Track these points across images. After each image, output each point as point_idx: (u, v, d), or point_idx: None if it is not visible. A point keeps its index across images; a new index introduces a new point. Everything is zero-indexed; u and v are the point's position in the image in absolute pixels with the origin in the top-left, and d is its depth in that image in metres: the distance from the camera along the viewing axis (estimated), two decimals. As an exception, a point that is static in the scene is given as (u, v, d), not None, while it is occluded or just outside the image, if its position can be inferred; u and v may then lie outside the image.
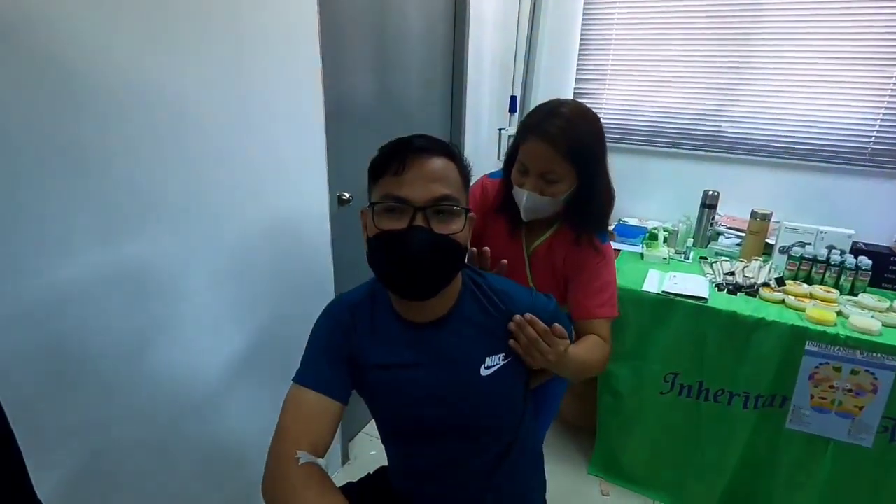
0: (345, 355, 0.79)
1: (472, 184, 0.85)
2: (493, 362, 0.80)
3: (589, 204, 1.00)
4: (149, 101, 0.90)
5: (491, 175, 1.16)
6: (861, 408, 1.36)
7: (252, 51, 1.09)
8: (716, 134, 2.17)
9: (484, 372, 0.79)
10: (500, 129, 2.35)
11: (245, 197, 1.15)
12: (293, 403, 0.75)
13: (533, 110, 1.00)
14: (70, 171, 0.79)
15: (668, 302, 1.54)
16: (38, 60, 0.73)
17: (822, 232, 1.74)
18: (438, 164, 0.73)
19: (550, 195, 0.96)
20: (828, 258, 1.65)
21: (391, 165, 0.72)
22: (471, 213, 0.77)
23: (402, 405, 0.81)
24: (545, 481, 1.00)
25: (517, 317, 0.79)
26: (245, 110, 1.11)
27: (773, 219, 1.88)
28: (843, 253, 1.67)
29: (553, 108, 0.96)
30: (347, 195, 1.51)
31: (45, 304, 0.80)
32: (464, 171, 0.77)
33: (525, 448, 0.90)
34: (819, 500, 1.45)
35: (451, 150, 0.76)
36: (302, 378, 0.76)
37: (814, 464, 1.45)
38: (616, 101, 2.32)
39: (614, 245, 2.01)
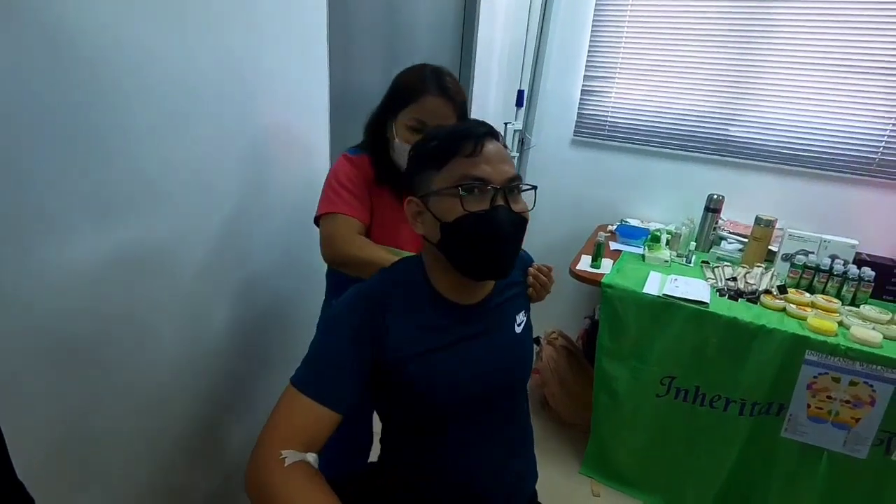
0: (363, 360, 0.73)
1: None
2: (521, 318, 0.87)
3: None
4: (151, 81, 0.87)
5: (350, 152, 1.11)
6: (858, 419, 1.35)
7: (259, 37, 1.07)
8: (723, 138, 2.15)
9: (517, 329, 0.86)
10: (506, 123, 2.32)
11: (247, 182, 1.13)
12: (288, 407, 0.69)
13: (408, 71, 1.04)
14: (68, 151, 0.77)
15: (668, 305, 1.53)
16: (34, 34, 0.70)
17: (825, 241, 1.73)
18: (500, 147, 0.76)
19: None
20: (831, 268, 1.64)
21: (462, 147, 0.72)
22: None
23: (449, 386, 0.77)
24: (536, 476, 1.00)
25: (533, 269, 0.93)
26: (250, 96, 1.09)
27: (776, 226, 1.86)
28: (846, 263, 1.66)
29: (436, 69, 1.03)
30: (349, 184, 1.49)
31: (38, 285, 0.77)
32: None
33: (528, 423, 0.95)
34: (811, 510, 1.45)
35: (498, 134, 0.78)
36: (301, 384, 0.70)
37: (807, 473, 1.45)
38: (624, 100, 2.29)
39: (616, 246, 2.00)
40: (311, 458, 0.67)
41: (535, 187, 0.78)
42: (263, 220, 1.20)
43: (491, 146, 0.73)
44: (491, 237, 0.71)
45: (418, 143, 0.80)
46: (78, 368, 0.86)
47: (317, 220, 1.06)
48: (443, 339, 0.77)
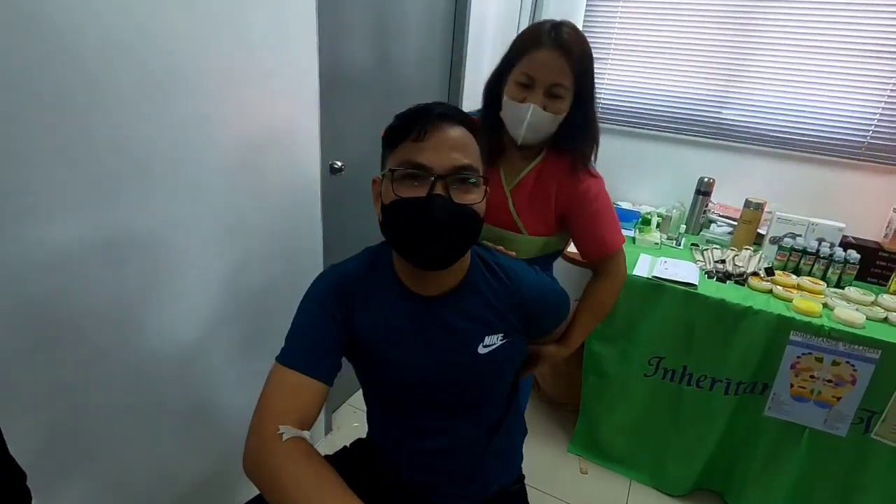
0: (336, 331, 0.76)
1: None
2: (492, 342, 0.79)
3: (584, 127, 0.98)
4: (140, 58, 0.85)
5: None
6: (839, 398, 1.39)
7: (247, 12, 1.04)
8: (715, 120, 2.14)
9: (482, 350, 0.79)
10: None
11: (236, 162, 1.11)
12: (277, 383, 0.71)
13: (529, 28, 0.96)
14: (53, 127, 0.75)
15: (657, 287, 1.54)
16: (11, 13, 0.67)
17: (813, 224, 1.75)
18: (458, 133, 0.71)
19: (553, 112, 0.93)
20: (817, 250, 1.66)
21: (411, 131, 0.69)
22: (485, 186, 0.75)
23: (400, 374, 0.79)
24: (522, 458, 1.02)
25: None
26: (238, 74, 1.06)
27: (765, 209, 1.88)
28: (832, 246, 1.68)
29: (557, 23, 0.92)
30: (339, 164, 1.47)
31: (27, 265, 0.76)
32: (481, 142, 0.75)
33: (513, 422, 0.92)
34: (792, 485, 1.49)
35: (470, 121, 0.74)
36: (286, 359, 0.72)
37: (789, 450, 1.49)
38: (617, 82, 2.27)
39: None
40: (307, 435, 0.68)
41: (486, 178, 0.74)
42: (252, 202, 1.18)
43: (445, 131, 0.70)
44: (418, 225, 0.68)
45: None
46: (66, 351, 0.85)
47: None
48: (396, 326, 0.78)
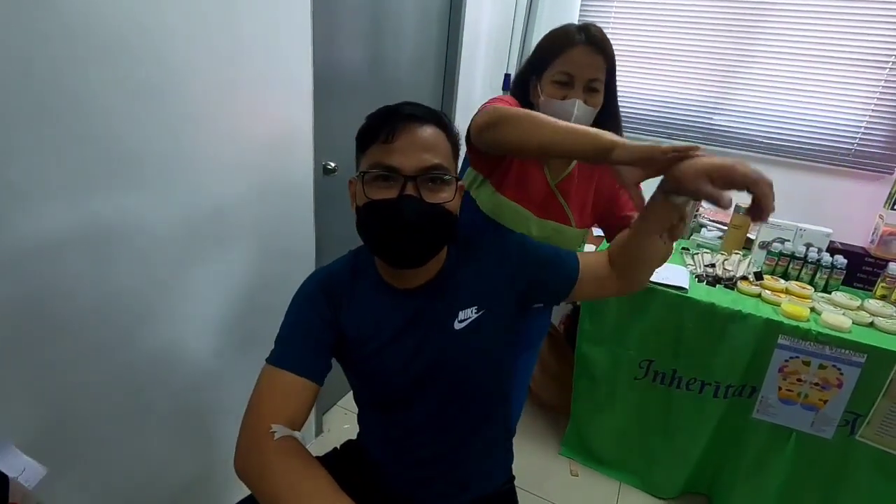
0: (325, 331, 0.77)
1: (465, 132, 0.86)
2: (466, 315, 0.79)
3: (614, 120, 1.01)
4: (134, 54, 0.85)
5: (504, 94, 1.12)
6: (825, 401, 1.40)
7: (242, 11, 1.03)
8: (707, 126, 2.17)
9: (458, 326, 0.79)
10: (506, 90, 2.31)
11: (228, 161, 1.10)
12: (268, 384, 0.72)
13: (554, 30, 0.98)
14: (41, 118, 0.74)
15: (648, 290, 1.55)
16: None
17: (801, 229, 1.77)
18: (428, 132, 0.72)
19: (593, 106, 0.96)
20: (805, 255, 1.68)
21: (380, 133, 0.71)
22: (460, 183, 0.77)
23: (386, 373, 0.80)
24: (512, 457, 1.00)
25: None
26: (232, 73, 1.06)
27: (755, 214, 1.90)
28: (820, 251, 1.71)
29: (582, 24, 0.96)
30: (333, 165, 1.47)
31: (14, 260, 0.75)
32: (453, 139, 0.76)
33: (503, 412, 0.91)
34: (779, 486, 1.51)
35: (441, 119, 0.75)
36: (277, 359, 0.73)
37: (776, 452, 1.50)
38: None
39: (599, 232, 2.02)
40: (298, 435, 0.69)
41: (458, 178, 0.75)
42: (245, 202, 1.18)
43: (414, 131, 0.70)
44: (390, 226, 0.70)
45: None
46: (54, 350, 0.84)
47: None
48: (382, 324, 0.79)
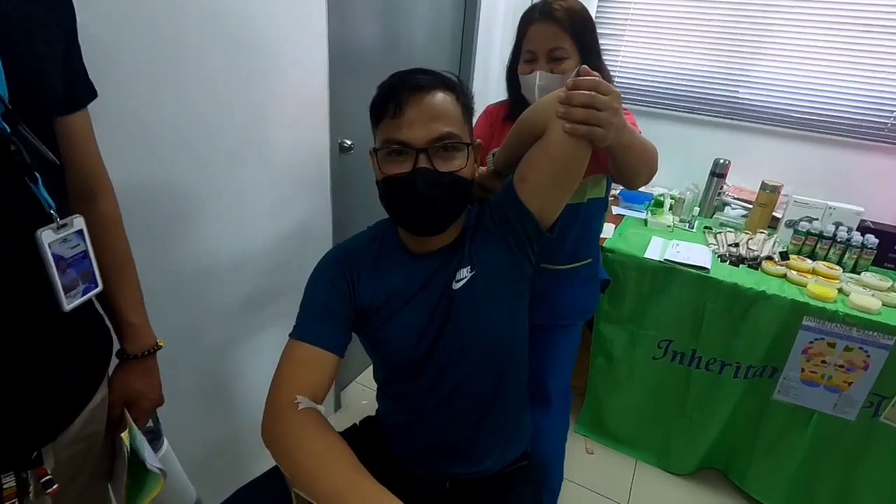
0: (344, 305, 0.79)
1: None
2: (462, 275, 0.79)
3: (599, 73, 0.99)
4: (146, 32, 0.84)
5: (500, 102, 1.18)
6: (850, 383, 1.38)
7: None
8: (732, 100, 2.09)
9: (455, 286, 0.79)
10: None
11: (243, 140, 1.10)
12: (290, 357, 0.75)
13: (528, 8, 1.03)
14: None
15: (669, 270, 1.53)
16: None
17: (830, 208, 1.71)
18: (437, 99, 0.72)
19: (560, 72, 0.99)
20: (834, 234, 1.63)
21: (388, 107, 0.71)
22: (477, 141, 0.78)
23: (397, 338, 0.81)
24: (530, 432, 1.00)
25: (570, 83, 0.70)
26: (247, 49, 1.05)
27: (782, 192, 1.84)
28: (850, 230, 1.65)
29: (541, 0, 1.00)
30: (349, 143, 1.46)
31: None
32: (464, 100, 0.76)
33: (516, 385, 0.90)
34: (797, 465, 1.50)
35: (450, 82, 0.74)
36: (299, 333, 0.76)
37: (795, 433, 1.49)
38: (633, 60, 2.21)
39: (618, 210, 1.98)
40: (321, 408, 0.71)
41: (469, 144, 0.75)
42: (262, 180, 1.18)
43: (422, 102, 0.71)
44: (408, 201, 0.73)
45: None
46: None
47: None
48: (397, 291, 0.80)
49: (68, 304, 0.54)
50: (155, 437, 0.80)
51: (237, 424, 1.30)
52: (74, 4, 0.57)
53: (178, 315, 1.05)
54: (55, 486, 0.55)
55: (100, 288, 0.59)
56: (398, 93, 0.71)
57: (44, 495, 0.55)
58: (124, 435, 0.68)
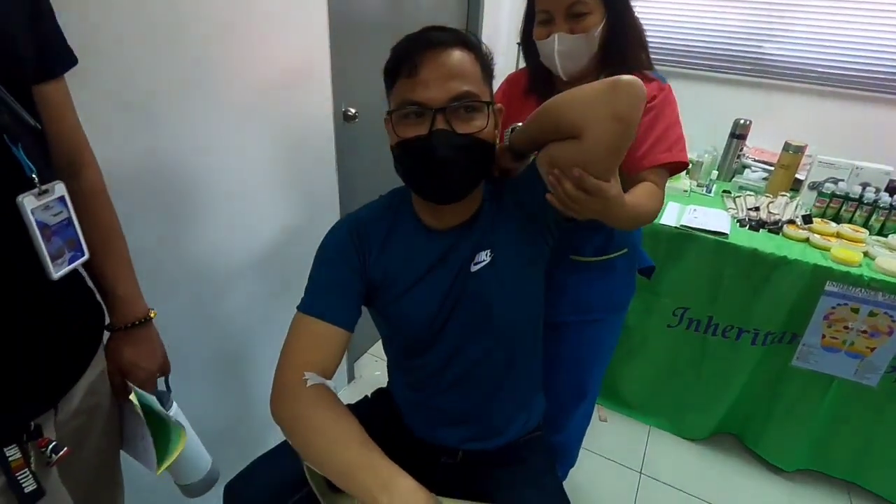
0: (353, 278, 0.77)
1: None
2: (481, 258, 0.77)
3: (625, 36, 0.90)
4: (144, 6, 0.80)
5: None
6: (873, 349, 1.34)
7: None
8: (755, 56, 1.98)
9: (473, 269, 0.77)
10: (518, 44, 2.16)
11: (246, 111, 1.07)
12: (299, 330, 0.73)
13: None
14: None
15: (685, 236, 1.48)
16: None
17: (857, 168, 1.64)
18: (454, 57, 0.67)
19: (583, 31, 0.87)
20: (861, 196, 1.56)
21: (403, 67, 0.67)
22: (497, 106, 0.73)
23: (410, 314, 0.79)
24: (543, 406, 0.99)
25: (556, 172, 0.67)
26: (247, 18, 1.00)
27: (806, 152, 1.76)
28: (878, 191, 1.58)
29: None
30: (353, 111, 1.41)
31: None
32: (483, 59, 0.71)
33: (530, 363, 0.89)
34: (815, 430, 1.49)
35: (468, 40, 0.69)
36: (308, 307, 0.74)
37: (814, 399, 1.47)
38: (649, 14, 2.10)
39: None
40: (330, 384, 0.70)
41: (489, 103, 0.70)
42: (266, 150, 1.15)
43: (439, 60, 0.66)
44: (424, 164, 0.68)
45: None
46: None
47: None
48: (410, 266, 0.78)
49: (56, 272, 0.53)
50: (162, 403, 0.80)
51: (251, 396, 1.32)
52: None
53: (189, 292, 1.05)
54: (64, 450, 0.55)
55: (86, 256, 0.58)
56: (412, 50, 0.66)
57: (48, 467, 0.55)
58: (132, 397, 0.69)
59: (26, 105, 0.49)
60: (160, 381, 0.78)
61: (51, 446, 0.55)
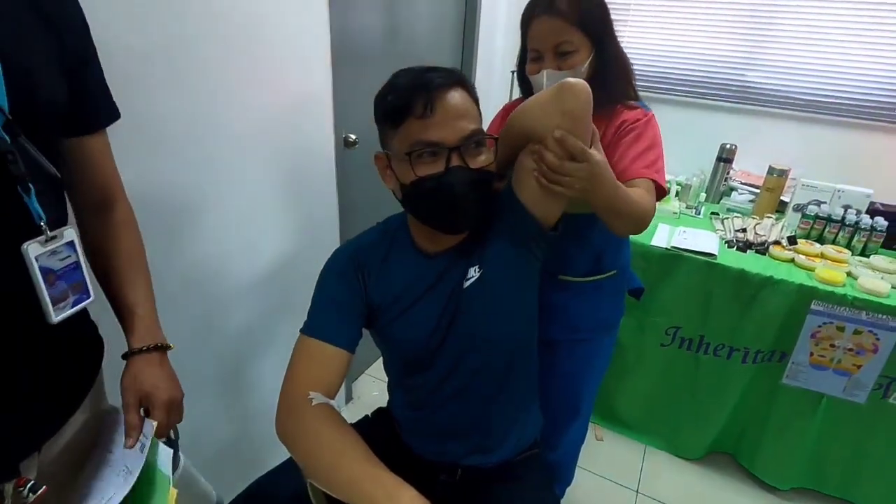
0: (355, 302, 0.80)
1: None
2: (471, 274, 0.80)
3: (611, 70, 0.96)
4: (147, 27, 0.84)
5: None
6: (859, 366, 1.38)
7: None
8: (740, 83, 2.06)
9: (465, 284, 0.80)
10: (513, 72, 2.23)
11: (248, 137, 1.11)
12: (302, 352, 0.76)
13: (529, 2, 0.95)
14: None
15: (675, 257, 1.53)
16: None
17: (839, 190, 1.70)
18: (458, 97, 0.72)
19: (570, 67, 0.92)
20: (843, 218, 1.61)
21: (414, 108, 0.69)
22: (493, 138, 0.78)
23: (407, 335, 0.83)
24: (539, 423, 1.01)
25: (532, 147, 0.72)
26: (250, 46, 1.05)
27: (790, 175, 1.82)
28: (858, 213, 1.63)
29: None
30: (353, 137, 1.46)
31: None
32: (475, 96, 0.76)
33: (525, 376, 0.91)
34: (807, 447, 1.51)
35: (463, 79, 0.74)
36: (310, 330, 0.77)
37: (805, 417, 1.49)
38: (637, 43, 2.19)
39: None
40: (334, 403, 0.73)
41: (496, 139, 0.76)
42: (267, 175, 1.19)
43: (447, 101, 0.70)
44: (445, 201, 0.72)
45: (379, 92, 0.76)
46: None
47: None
48: (408, 288, 0.81)
49: (56, 316, 0.54)
50: (173, 452, 0.74)
51: (252, 416, 1.33)
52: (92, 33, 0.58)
53: (191, 312, 1.07)
54: (42, 489, 0.54)
55: (92, 298, 0.58)
56: (424, 92, 0.69)
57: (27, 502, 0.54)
58: (146, 443, 0.65)
59: (48, 151, 0.50)
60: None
61: (28, 486, 0.54)
